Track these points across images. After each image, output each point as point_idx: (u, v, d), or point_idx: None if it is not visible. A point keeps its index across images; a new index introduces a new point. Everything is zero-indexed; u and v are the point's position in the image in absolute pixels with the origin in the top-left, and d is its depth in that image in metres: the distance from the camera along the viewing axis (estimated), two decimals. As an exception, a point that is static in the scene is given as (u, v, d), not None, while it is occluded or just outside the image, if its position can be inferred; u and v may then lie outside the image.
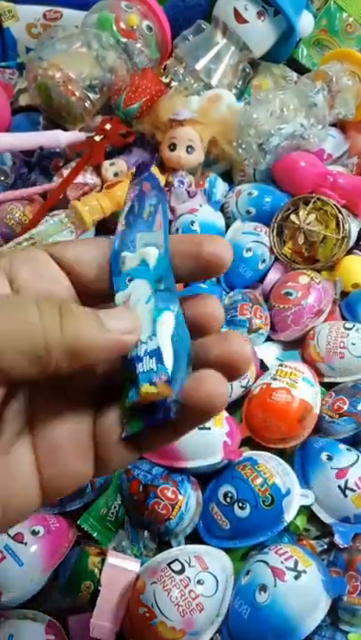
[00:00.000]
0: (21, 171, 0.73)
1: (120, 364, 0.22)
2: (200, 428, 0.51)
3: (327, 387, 0.59)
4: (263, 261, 0.67)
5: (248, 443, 0.56)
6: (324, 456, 0.52)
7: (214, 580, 0.46)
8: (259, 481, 0.50)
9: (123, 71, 0.75)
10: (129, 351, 0.21)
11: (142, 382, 0.20)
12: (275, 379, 0.56)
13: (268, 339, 0.64)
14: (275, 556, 0.46)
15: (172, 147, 0.69)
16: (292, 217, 0.67)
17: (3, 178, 0.72)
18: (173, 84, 0.77)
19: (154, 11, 0.78)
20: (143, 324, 0.21)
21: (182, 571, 0.45)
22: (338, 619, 0.47)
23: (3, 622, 0.46)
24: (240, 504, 0.49)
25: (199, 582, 0.45)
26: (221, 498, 0.50)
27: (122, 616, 0.45)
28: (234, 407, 0.58)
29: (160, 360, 0.21)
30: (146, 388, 0.20)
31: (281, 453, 0.54)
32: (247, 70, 0.80)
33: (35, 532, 0.48)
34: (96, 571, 0.48)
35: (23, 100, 0.80)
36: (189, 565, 0.45)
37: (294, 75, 0.82)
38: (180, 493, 0.50)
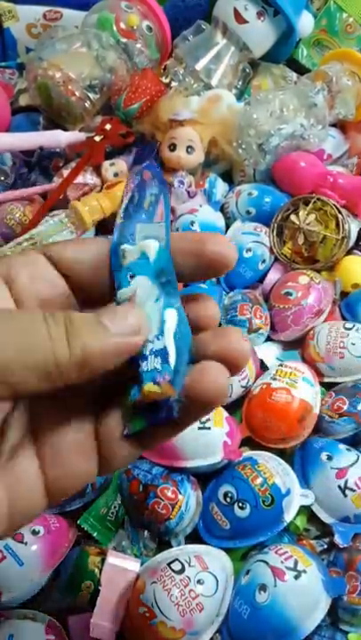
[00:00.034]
0: (21, 171, 0.73)
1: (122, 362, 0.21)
2: (200, 428, 0.51)
3: (327, 387, 0.59)
4: (263, 261, 0.67)
5: (248, 443, 0.56)
6: (324, 456, 0.52)
7: (214, 580, 0.46)
8: (259, 481, 0.50)
9: (123, 71, 0.75)
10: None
11: (146, 381, 0.20)
12: (275, 379, 0.56)
13: (268, 339, 0.64)
14: (275, 555, 0.46)
15: (172, 147, 0.69)
16: (292, 217, 0.67)
17: (3, 178, 0.72)
18: (173, 84, 0.77)
19: (154, 11, 0.78)
20: (152, 324, 0.21)
21: (182, 570, 0.45)
22: (338, 619, 0.47)
23: (3, 622, 0.46)
24: (240, 504, 0.49)
25: (199, 582, 0.45)
26: (221, 498, 0.50)
27: (122, 616, 0.45)
28: (234, 407, 0.58)
29: (165, 360, 0.20)
30: (149, 387, 0.20)
31: (281, 453, 0.55)
32: (247, 70, 0.80)
33: (35, 532, 0.48)
34: (96, 570, 0.48)
35: (23, 101, 0.80)
36: (189, 565, 0.45)
37: (294, 75, 0.82)
38: (180, 493, 0.50)
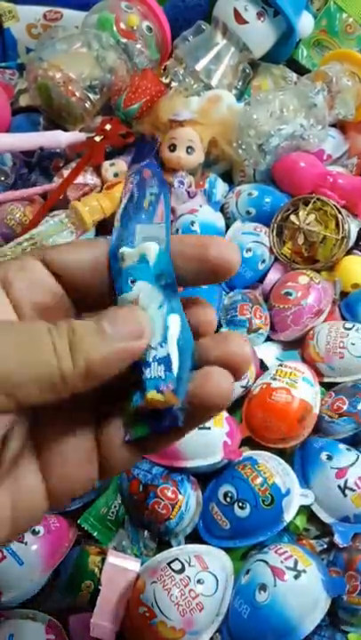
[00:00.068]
0: (22, 171, 0.73)
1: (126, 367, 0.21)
2: (200, 428, 0.51)
3: (327, 387, 0.59)
4: (263, 261, 0.67)
5: (248, 443, 0.56)
6: (323, 456, 0.52)
7: (214, 580, 0.46)
8: (259, 481, 0.50)
9: (123, 72, 0.75)
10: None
11: (149, 389, 0.20)
12: (275, 379, 0.56)
13: (268, 339, 0.64)
14: (275, 555, 0.46)
15: (172, 147, 0.69)
16: (292, 217, 0.67)
17: (3, 178, 0.72)
18: (173, 84, 0.77)
19: (154, 11, 0.78)
20: (155, 330, 0.21)
21: (182, 570, 0.45)
22: (338, 619, 0.47)
23: (3, 622, 0.46)
24: (240, 504, 0.49)
25: (199, 582, 0.45)
26: (221, 497, 0.50)
27: (122, 616, 0.45)
28: (234, 407, 0.58)
29: (169, 368, 0.20)
30: (152, 394, 0.20)
31: (281, 453, 0.55)
32: (247, 71, 0.80)
33: (35, 532, 0.48)
34: (96, 570, 0.48)
35: (23, 101, 0.80)
36: (189, 565, 0.46)
37: (294, 75, 0.82)
38: (180, 493, 0.50)
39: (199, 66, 0.77)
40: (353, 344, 0.58)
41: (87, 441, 0.22)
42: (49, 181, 0.71)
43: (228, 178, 0.76)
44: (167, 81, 0.78)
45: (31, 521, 0.22)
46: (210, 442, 0.51)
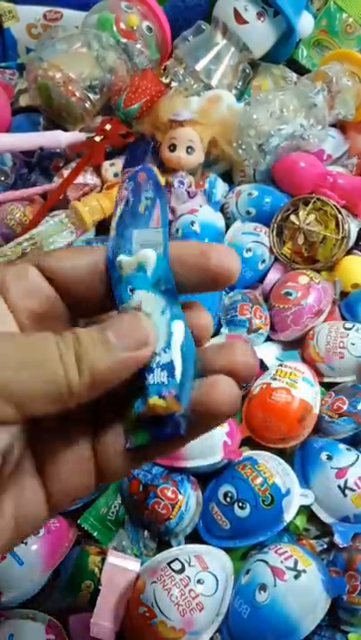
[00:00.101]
0: (22, 171, 0.73)
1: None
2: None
3: (327, 387, 0.59)
4: (263, 261, 0.67)
5: (248, 443, 0.56)
6: (323, 456, 0.52)
7: (214, 580, 0.46)
8: (259, 481, 0.50)
9: (123, 72, 0.75)
10: None
11: (151, 394, 0.20)
12: (275, 379, 0.56)
13: (268, 339, 0.64)
14: (275, 555, 0.46)
15: (172, 147, 0.69)
16: (292, 217, 0.67)
17: (3, 178, 0.72)
18: (173, 84, 0.77)
19: (154, 11, 0.78)
20: (159, 336, 0.20)
21: (182, 570, 0.45)
22: (338, 619, 0.47)
23: (3, 622, 0.46)
24: (240, 504, 0.49)
25: (199, 582, 0.45)
26: (221, 497, 0.50)
27: (122, 616, 0.45)
28: (234, 407, 0.58)
29: (172, 374, 0.20)
30: (154, 400, 0.20)
31: (281, 453, 0.55)
32: (247, 71, 0.80)
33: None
34: (96, 570, 0.48)
35: (23, 101, 0.80)
36: (189, 565, 0.46)
37: (294, 75, 0.82)
38: (180, 493, 0.50)
39: (199, 66, 0.77)
40: (353, 344, 0.58)
41: (85, 450, 0.22)
42: (49, 181, 0.71)
43: (228, 178, 0.76)
44: (167, 81, 0.78)
45: (33, 529, 0.22)
46: (210, 442, 0.51)
